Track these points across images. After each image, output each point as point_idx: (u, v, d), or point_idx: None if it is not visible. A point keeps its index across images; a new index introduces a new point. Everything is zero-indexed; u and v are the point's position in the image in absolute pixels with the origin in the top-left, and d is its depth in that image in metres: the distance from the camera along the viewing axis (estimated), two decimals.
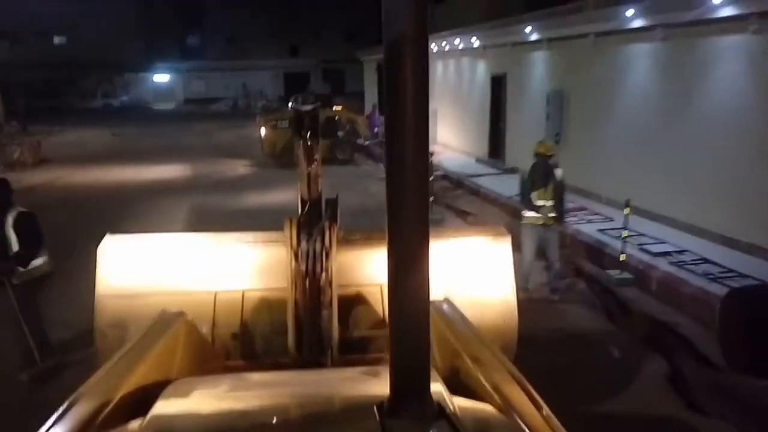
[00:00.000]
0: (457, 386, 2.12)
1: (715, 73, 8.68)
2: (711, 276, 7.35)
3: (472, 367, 2.32)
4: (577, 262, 8.77)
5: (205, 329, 3.62)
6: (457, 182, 14.90)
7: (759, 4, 7.64)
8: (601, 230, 9.54)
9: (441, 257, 3.59)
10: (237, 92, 50.76)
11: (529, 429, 1.82)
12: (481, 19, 16.85)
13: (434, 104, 21.17)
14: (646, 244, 8.74)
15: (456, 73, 19.76)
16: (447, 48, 19.36)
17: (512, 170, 15.18)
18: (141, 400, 1.99)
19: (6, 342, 5.75)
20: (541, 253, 7.66)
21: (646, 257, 8.24)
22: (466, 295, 3.58)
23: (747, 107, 8.11)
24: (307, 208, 3.43)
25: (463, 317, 3.00)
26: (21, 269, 5.51)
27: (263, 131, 19.26)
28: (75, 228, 11.10)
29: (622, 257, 8.03)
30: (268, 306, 3.76)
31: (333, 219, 3.42)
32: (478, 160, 17.23)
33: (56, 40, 52.98)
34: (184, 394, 2.03)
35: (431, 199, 12.95)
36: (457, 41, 18.10)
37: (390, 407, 1.37)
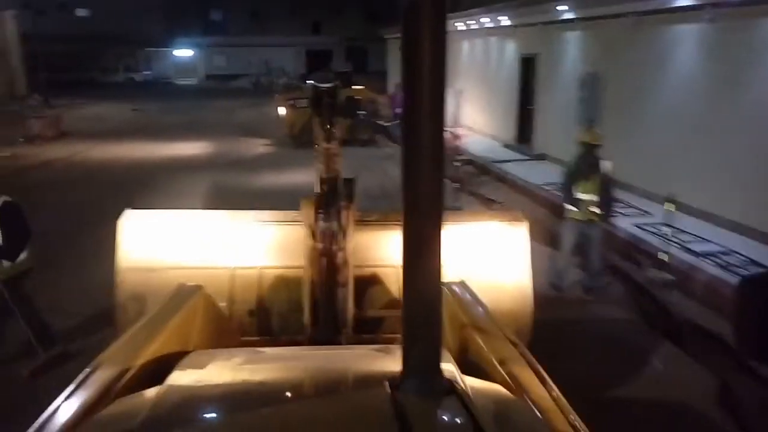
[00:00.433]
0: (468, 366, 2.13)
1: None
2: None
3: (484, 348, 2.34)
4: (611, 258, 8.24)
5: (222, 304, 3.64)
6: (482, 168, 14.34)
7: None
8: (637, 225, 8.96)
9: (458, 241, 3.83)
10: (259, 69, 50.24)
11: (538, 410, 1.81)
12: None
13: (460, 85, 20.54)
14: (689, 242, 8.16)
15: (483, 54, 19.05)
16: (474, 27, 18.65)
17: (541, 156, 14.60)
18: (158, 370, 1.99)
19: (3, 338, 5.43)
20: (579, 249, 7.14)
21: (688, 257, 7.68)
22: (482, 279, 3.59)
23: None
24: (324, 187, 3.43)
25: (476, 299, 2.98)
26: (7, 264, 5.12)
27: (282, 110, 18.78)
28: (88, 205, 10.86)
29: (665, 257, 7.46)
30: (285, 284, 3.80)
31: (350, 199, 3.45)
32: (505, 145, 16.61)
33: (79, 12, 52.79)
34: (200, 365, 2.04)
35: (457, 186, 12.52)
36: (485, 20, 17.40)
37: (401, 383, 1.40)
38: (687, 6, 9.11)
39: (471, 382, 1.84)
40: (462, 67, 20.85)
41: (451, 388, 1.45)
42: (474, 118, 19.39)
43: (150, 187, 12.55)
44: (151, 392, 1.82)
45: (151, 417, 1.63)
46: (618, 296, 7.24)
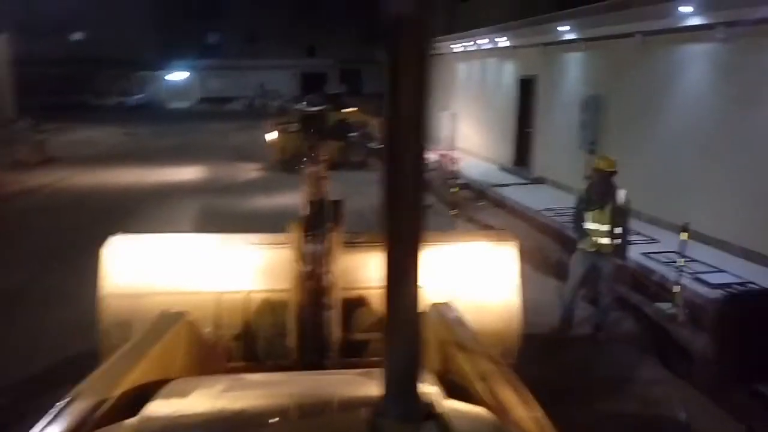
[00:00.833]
0: (452, 387, 2.16)
1: None
2: None
3: (468, 369, 2.35)
4: (619, 290, 7.71)
5: (208, 330, 3.64)
6: (479, 192, 13.86)
7: None
8: (645, 254, 8.44)
9: (446, 261, 3.87)
10: (254, 91, 50.07)
11: (521, 431, 1.84)
12: (506, 18, 15.81)
13: (456, 107, 20.19)
14: (701, 272, 7.63)
15: (480, 75, 18.70)
16: (471, 48, 18.33)
17: (540, 180, 14.15)
18: (138, 400, 1.97)
19: None
20: (587, 282, 6.62)
21: (703, 289, 7.16)
22: (470, 299, 3.64)
23: None
24: (311, 209, 3.47)
25: (462, 320, 2.98)
26: None
27: (272, 136, 18.15)
28: (65, 237, 10.32)
29: (677, 289, 6.93)
30: (272, 308, 3.77)
31: (338, 221, 3.45)
32: (502, 168, 16.17)
33: (73, 36, 52.69)
34: (180, 393, 2.03)
35: (454, 212, 12.06)
36: (482, 41, 17.07)
37: (381, 408, 1.40)
38: (698, 25, 8.70)
39: (453, 405, 1.85)
40: (458, 89, 20.50)
41: (431, 412, 1.44)
42: (470, 141, 18.98)
43: (137, 214, 12.00)
44: (128, 423, 1.80)
45: None
46: (630, 333, 6.70)
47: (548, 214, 10.89)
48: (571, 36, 12.48)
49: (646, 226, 9.81)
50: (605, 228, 6.39)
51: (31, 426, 1.83)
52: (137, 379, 2.27)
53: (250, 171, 18.13)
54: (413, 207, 1.30)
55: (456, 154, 17.34)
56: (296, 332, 3.31)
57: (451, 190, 12.35)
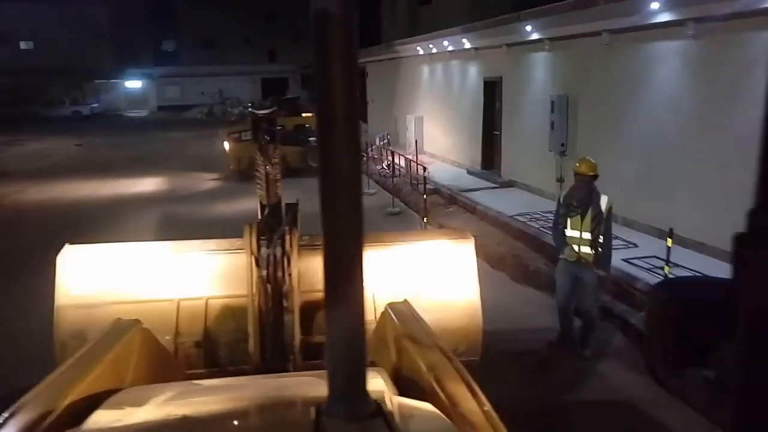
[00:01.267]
0: (406, 384, 2.31)
1: (761, 75, 7.35)
2: None
3: (422, 366, 2.37)
4: (602, 300, 7.38)
5: (167, 338, 3.62)
6: (449, 197, 13.48)
7: None
8: (626, 260, 8.14)
9: (405, 260, 3.95)
10: (213, 98, 49.02)
11: (469, 425, 1.90)
12: (467, 20, 15.51)
13: (421, 110, 19.82)
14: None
15: (444, 77, 18.36)
16: (434, 50, 17.98)
17: (509, 184, 13.84)
18: (88, 410, 1.94)
19: None
20: (572, 295, 6.24)
21: None
22: (431, 298, 3.74)
23: None
24: (266, 212, 3.50)
25: (418, 317, 3.00)
26: None
27: (227, 145, 17.46)
28: (13, 253, 9.57)
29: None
30: (232, 313, 3.75)
31: (293, 224, 3.46)
32: (470, 172, 15.83)
33: (23, 45, 50.95)
34: (127, 402, 2.01)
35: (424, 220, 11.64)
36: (445, 43, 16.72)
37: (326, 408, 1.40)
38: (668, 22, 8.45)
39: (401, 402, 1.89)
40: (424, 92, 20.15)
41: (377, 410, 1.44)
42: (437, 145, 18.62)
43: (88, 230, 11.21)
44: None
45: None
46: (617, 347, 6.35)
47: (522, 219, 10.54)
48: (535, 36, 12.18)
49: (621, 229, 9.53)
50: (586, 236, 6.02)
51: None
52: (87, 388, 2.21)
53: (207, 181, 17.44)
54: (351, 206, 1.29)
55: (424, 158, 16.97)
56: (255, 337, 3.28)
57: (424, 197, 11.93)
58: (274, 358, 3.28)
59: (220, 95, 49.66)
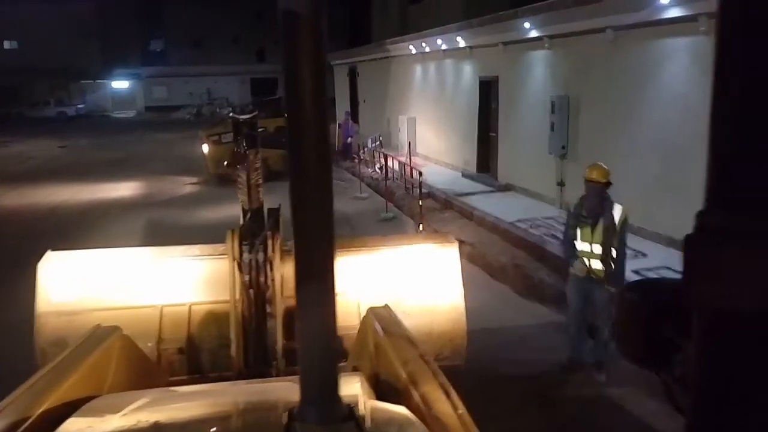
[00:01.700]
0: (386, 388, 2.36)
1: None
2: None
3: (399, 369, 2.40)
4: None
5: (150, 344, 3.63)
6: (444, 201, 12.95)
7: None
8: (635, 271, 7.61)
9: (389, 265, 3.97)
10: (201, 99, 48.30)
11: (443, 427, 1.95)
12: (461, 18, 14.99)
13: (414, 111, 19.30)
14: None
15: (438, 77, 17.84)
16: (427, 49, 17.46)
17: (507, 187, 13.33)
18: (63, 418, 1.94)
19: None
20: (587, 310, 5.72)
21: None
22: (416, 302, 3.79)
23: None
24: (247, 218, 3.50)
25: (398, 322, 3.00)
26: None
27: (206, 148, 16.76)
28: None
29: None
30: (216, 319, 3.73)
31: (276, 228, 3.46)
32: (465, 175, 15.30)
33: (7, 45, 50.07)
34: (101, 410, 2.01)
35: (420, 226, 11.12)
36: (439, 41, 16.20)
37: (298, 412, 1.42)
38: (678, 17, 7.96)
39: (374, 406, 1.94)
40: (416, 93, 19.62)
41: (349, 414, 1.45)
42: (430, 147, 18.10)
43: (65, 237, 10.59)
44: None
45: None
46: (634, 372, 5.82)
47: (522, 225, 10.03)
48: (534, 33, 11.69)
49: (629, 237, 9.01)
50: (598, 249, 5.51)
51: None
52: (64, 395, 2.18)
53: (193, 185, 16.80)
54: (321, 209, 1.29)
55: (416, 160, 16.44)
56: (237, 342, 3.26)
57: (419, 202, 11.41)
58: (257, 363, 3.28)
59: (209, 96, 48.97)
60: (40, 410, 2.04)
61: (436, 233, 10.59)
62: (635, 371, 5.79)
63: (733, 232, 1.18)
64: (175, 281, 3.88)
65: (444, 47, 16.23)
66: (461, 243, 10.18)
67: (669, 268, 7.44)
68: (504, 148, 13.81)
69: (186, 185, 16.79)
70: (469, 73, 15.54)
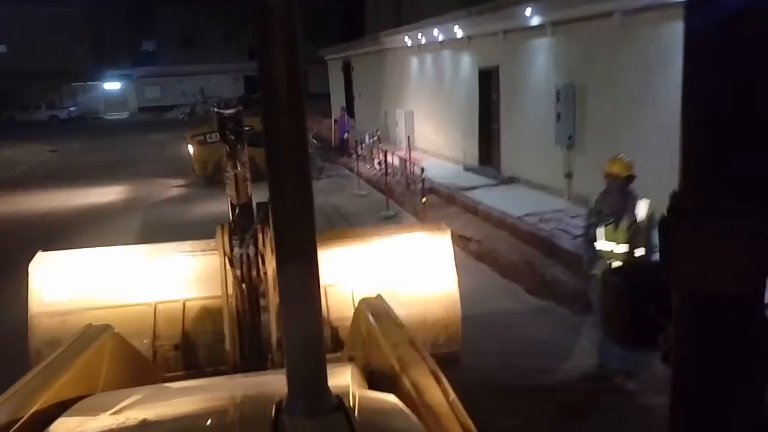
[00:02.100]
0: (378, 378, 2.38)
1: None
2: None
3: (391, 358, 2.42)
4: None
5: (145, 341, 3.69)
6: (447, 196, 12.54)
7: None
8: None
9: (382, 255, 4.04)
10: (195, 98, 47.77)
11: (434, 414, 1.96)
12: (458, 7, 14.53)
13: (411, 104, 18.87)
14: None
15: (435, 69, 17.41)
16: (423, 41, 17.02)
17: (511, 180, 12.93)
18: (55, 417, 1.94)
19: None
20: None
21: None
22: (410, 291, 3.89)
23: None
24: (236, 212, 3.52)
25: (390, 311, 3.01)
26: None
27: (191, 149, 16.25)
28: None
29: None
30: (210, 315, 3.77)
31: (266, 222, 3.40)
32: (467, 168, 14.89)
33: None
34: (91, 409, 2.01)
35: (423, 223, 10.70)
36: (435, 32, 15.77)
37: (286, 405, 1.45)
38: None
39: (364, 395, 1.95)
40: (413, 86, 19.19)
41: (338, 405, 1.46)
42: (430, 140, 17.68)
43: (54, 245, 10.20)
44: None
45: None
46: (665, 378, 5.45)
47: (531, 220, 9.62)
48: (536, 21, 11.26)
49: None
50: (621, 249, 5.12)
51: None
52: (56, 395, 2.18)
53: (189, 187, 16.36)
54: (300, 201, 1.27)
55: (415, 154, 16.03)
56: (231, 337, 3.28)
57: (423, 200, 11.03)
58: (252, 357, 3.30)
59: (202, 94, 48.40)
60: (32, 410, 2.03)
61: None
62: (668, 377, 5.41)
63: (707, 214, 1.19)
64: (168, 278, 3.88)
65: (441, 38, 15.80)
66: (467, 240, 9.86)
67: None
68: (507, 140, 13.40)
69: (173, 188, 16.31)
70: (468, 64, 15.11)
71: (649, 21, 8.65)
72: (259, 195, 3.58)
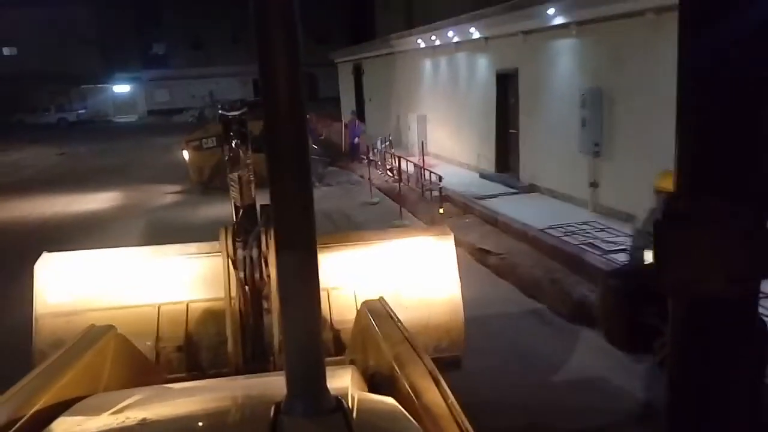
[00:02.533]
0: (379, 380, 2.41)
1: None
2: None
3: (392, 361, 2.41)
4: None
5: (149, 343, 3.71)
6: (463, 205, 11.95)
7: None
8: None
9: (386, 258, 4.14)
10: (204, 101, 47.52)
11: (432, 417, 1.96)
12: (471, 8, 13.97)
13: (424, 108, 18.34)
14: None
15: (449, 72, 16.84)
16: (437, 42, 16.47)
17: (531, 188, 12.33)
18: (55, 418, 1.94)
19: None
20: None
21: None
22: (413, 295, 3.88)
23: None
24: (240, 215, 3.61)
25: (391, 314, 3.00)
26: None
27: (186, 154, 15.76)
28: None
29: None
30: (213, 316, 3.79)
31: (269, 225, 3.35)
32: (483, 175, 14.31)
33: (6, 51, 49.40)
34: (91, 409, 2.01)
35: None
36: (450, 34, 15.21)
37: (285, 405, 1.43)
38: None
39: (362, 397, 1.94)
40: (426, 89, 18.63)
41: (337, 406, 1.46)
42: (442, 145, 17.12)
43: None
44: None
45: None
46: None
47: (555, 233, 9.03)
48: (559, 20, 10.68)
49: None
50: None
51: None
52: (57, 395, 2.16)
53: (194, 193, 15.86)
54: (301, 205, 1.29)
55: (428, 159, 15.47)
56: (234, 339, 3.30)
57: (440, 210, 10.48)
58: (255, 359, 3.34)
59: (211, 97, 48.13)
60: (32, 411, 2.03)
61: (461, 244, 9.64)
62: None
63: (698, 217, 1.26)
64: (172, 280, 3.90)
65: (456, 39, 15.24)
66: (487, 253, 9.28)
67: None
68: (526, 147, 12.81)
69: (194, 194, 15.82)
70: (484, 67, 14.54)
71: None
72: (262, 198, 3.32)
